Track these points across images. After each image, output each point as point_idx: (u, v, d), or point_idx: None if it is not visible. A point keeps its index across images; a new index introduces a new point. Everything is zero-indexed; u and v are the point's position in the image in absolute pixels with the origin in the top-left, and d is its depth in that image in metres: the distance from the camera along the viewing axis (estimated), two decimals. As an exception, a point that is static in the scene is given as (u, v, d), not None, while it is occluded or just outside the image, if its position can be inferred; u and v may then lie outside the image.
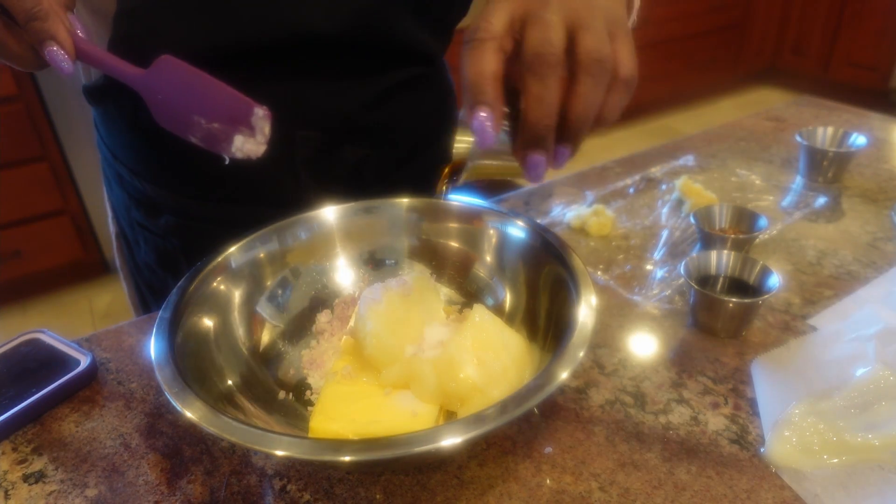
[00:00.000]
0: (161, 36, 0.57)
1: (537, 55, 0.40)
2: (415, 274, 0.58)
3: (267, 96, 0.62)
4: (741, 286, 0.62)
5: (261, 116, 0.50)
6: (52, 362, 0.58)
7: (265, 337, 0.55)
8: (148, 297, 0.82)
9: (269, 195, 0.68)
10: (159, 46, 0.57)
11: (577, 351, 0.41)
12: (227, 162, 0.52)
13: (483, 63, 0.42)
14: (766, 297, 0.57)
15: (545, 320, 0.52)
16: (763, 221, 0.68)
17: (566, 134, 0.43)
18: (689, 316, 0.62)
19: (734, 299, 0.57)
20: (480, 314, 0.48)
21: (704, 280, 0.62)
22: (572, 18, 0.41)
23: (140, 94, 0.50)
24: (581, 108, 0.41)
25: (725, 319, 0.58)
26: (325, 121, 0.66)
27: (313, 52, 0.61)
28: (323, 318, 0.57)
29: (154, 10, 0.56)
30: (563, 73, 0.41)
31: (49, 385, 0.55)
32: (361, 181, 0.70)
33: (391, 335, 0.48)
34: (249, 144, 0.51)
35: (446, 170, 0.56)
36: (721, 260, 0.62)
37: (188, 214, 0.71)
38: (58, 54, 0.46)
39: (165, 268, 0.76)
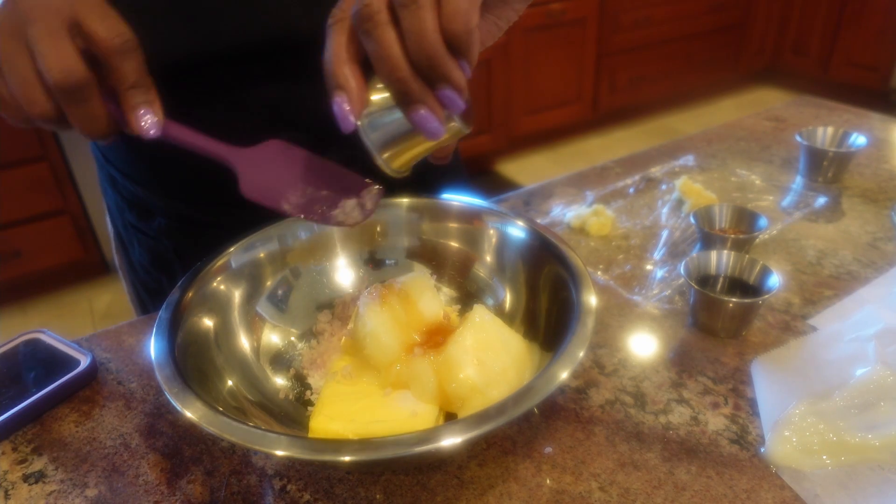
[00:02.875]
0: (143, 44, 0.57)
1: (358, 16, 0.39)
2: (415, 274, 0.58)
3: (251, 98, 0.62)
4: (741, 286, 0.62)
5: (374, 192, 0.49)
6: (52, 362, 0.58)
7: (265, 337, 0.55)
8: (144, 298, 0.82)
9: None
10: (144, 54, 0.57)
11: (577, 351, 0.41)
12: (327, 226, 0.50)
13: (333, 46, 0.41)
14: (766, 297, 0.57)
15: (545, 320, 0.52)
16: (763, 221, 0.68)
17: (432, 73, 0.39)
18: (689, 316, 0.62)
19: (734, 299, 0.57)
20: (480, 314, 0.48)
21: (704, 280, 0.62)
22: None
23: (233, 168, 0.49)
24: (417, 42, 0.38)
25: (725, 319, 0.58)
26: (310, 122, 0.66)
27: (296, 53, 0.61)
28: (323, 318, 0.57)
29: (133, 18, 0.56)
30: (388, 19, 0.39)
31: (49, 385, 0.55)
32: None
33: (390, 335, 0.48)
34: (356, 212, 0.49)
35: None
36: (721, 260, 0.62)
37: (180, 217, 0.71)
38: (149, 118, 0.45)
39: (159, 269, 0.76)
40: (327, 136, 0.67)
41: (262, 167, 0.49)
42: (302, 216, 0.49)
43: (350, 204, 0.49)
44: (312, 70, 0.63)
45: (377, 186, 0.50)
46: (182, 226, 0.71)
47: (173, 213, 0.71)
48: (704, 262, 0.62)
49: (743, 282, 0.62)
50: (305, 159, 0.50)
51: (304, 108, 0.64)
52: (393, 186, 0.63)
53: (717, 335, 0.59)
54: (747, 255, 0.62)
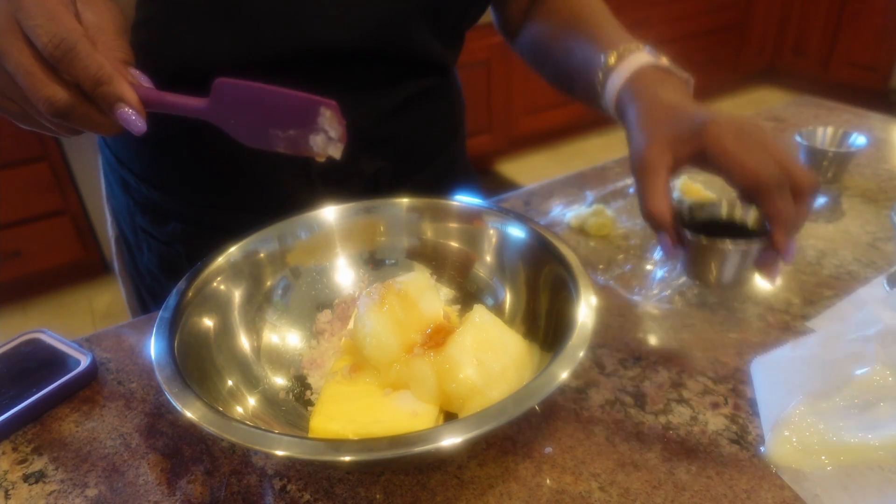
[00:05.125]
0: (180, 46, 0.57)
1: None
2: (415, 274, 0.58)
3: None
4: (738, 232, 0.56)
5: (328, 117, 0.47)
6: (52, 362, 0.58)
7: (265, 337, 0.55)
8: (149, 302, 0.82)
9: (284, 205, 0.67)
10: (178, 57, 0.56)
11: (577, 351, 0.41)
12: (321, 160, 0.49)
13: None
14: (762, 239, 0.52)
15: (545, 320, 0.52)
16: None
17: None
18: (682, 268, 0.58)
19: (729, 242, 0.53)
20: (480, 314, 0.48)
21: (699, 227, 0.56)
22: None
23: (214, 124, 0.48)
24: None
25: (719, 267, 0.55)
26: (347, 132, 0.66)
27: (331, 65, 0.61)
28: (323, 318, 0.57)
29: (172, 20, 0.56)
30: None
31: (49, 385, 0.55)
32: (377, 192, 0.70)
33: (390, 335, 0.47)
34: (329, 147, 0.48)
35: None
36: (715, 208, 0.57)
37: (197, 222, 0.70)
38: (129, 115, 0.45)
39: (168, 274, 0.75)
40: (357, 147, 0.67)
41: (234, 115, 0.48)
42: (297, 154, 0.48)
43: (319, 141, 0.48)
44: (347, 82, 0.64)
45: (329, 111, 0.47)
46: (197, 231, 0.70)
47: (190, 218, 0.70)
48: (698, 210, 0.58)
49: (740, 227, 0.56)
50: (258, 93, 0.47)
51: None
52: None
53: (710, 287, 0.55)
54: (741, 203, 0.56)
